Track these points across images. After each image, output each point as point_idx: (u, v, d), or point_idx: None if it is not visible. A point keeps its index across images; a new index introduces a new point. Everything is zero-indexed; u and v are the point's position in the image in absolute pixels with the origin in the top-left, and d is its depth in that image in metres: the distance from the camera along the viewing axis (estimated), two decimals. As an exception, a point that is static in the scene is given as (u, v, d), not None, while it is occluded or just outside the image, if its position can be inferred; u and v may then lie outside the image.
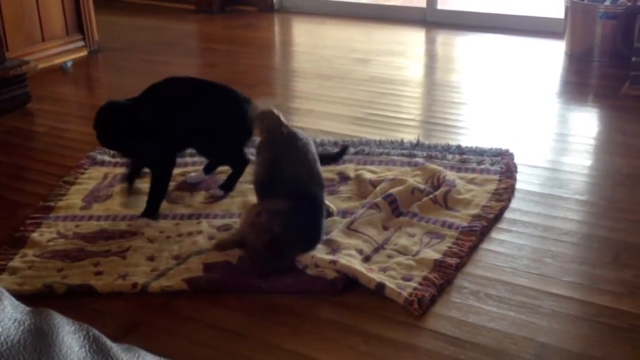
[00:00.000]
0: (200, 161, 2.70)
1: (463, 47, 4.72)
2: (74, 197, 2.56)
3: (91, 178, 2.72)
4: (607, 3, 4.03)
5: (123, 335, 1.81)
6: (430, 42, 4.86)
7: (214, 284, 2.02)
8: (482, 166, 2.68)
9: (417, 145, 2.89)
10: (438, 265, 2.05)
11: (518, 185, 2.56)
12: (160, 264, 2.12)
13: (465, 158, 2.75)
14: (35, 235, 2.29)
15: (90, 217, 2.42)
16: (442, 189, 2.44)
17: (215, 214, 2.42)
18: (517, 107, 3.41)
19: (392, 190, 2.40)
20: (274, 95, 3.77)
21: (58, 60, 4.21)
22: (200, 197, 2.54)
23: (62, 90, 3.93)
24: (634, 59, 3.56)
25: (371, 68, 4.07)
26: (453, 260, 2.08)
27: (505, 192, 2.49)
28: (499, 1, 5.53)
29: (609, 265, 2.09)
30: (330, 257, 2.05)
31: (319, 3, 5.45)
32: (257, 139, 2.47)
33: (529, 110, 3.37)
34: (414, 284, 1.97)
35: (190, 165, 2.77)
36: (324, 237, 2.18)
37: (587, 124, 3.33)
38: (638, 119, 3.23)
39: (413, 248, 2.15)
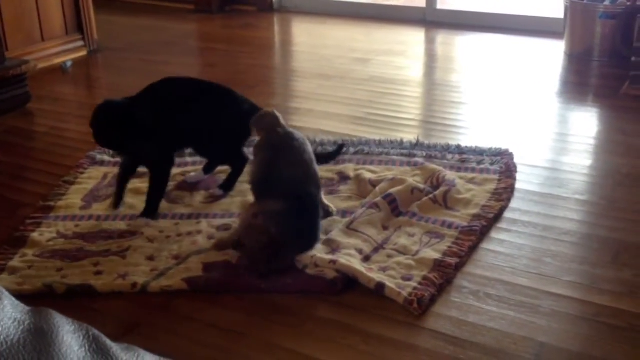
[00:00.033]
0: (200, 161, 2.70)
1: (463, 47, 4.72)
2: (74, 197, 2.57)
3: (91, 178, 2.72)
4: (606, 3, 4.03)
5: (123, 335, 1.81)
6: (430, 42, 4.86)
7: (214, 283, 2.02)
8: (482, 166, 2.68)
9: (417, 145, 2.89)
10: (438, 265, 2.05)
11: (518, 185, 2.56)
12: (160, 264, 2.12)
13: (465, 158, 2.75)
14: (35, 235, 2.29)
15: (90, 217, 2.42)
16: (442, 189, 2.44)
17: (215, 214, 2.42)
18: (517, 107, 3.41)
19: (392, 190, 2.40)
20: (274, 95, 3.77)
21: (58, 60, 4.21)
22: (200, 196, 2.54)
23: (62, 90, 3.93)
24: (633, 58, 3.56)
25: (371, 68, 4.07)
26: (453, 260, 2.08)
27: (505, 191, 2.49)
28: (498, 1, 5.52)
29: (609, 265, 2.09)
30: (329, 256, 2.05)
31: (318, 3, 5.45)
32: (255, 138, 2.48)
33: (529, 110, 3.37)
34: (413, 284, 1.97)
35: (190, 165, 2.77)
36: (324, 237, 2.18)
37: (586, 123, 3.33)
38: (638, 119, 3.23)
39: (413, 248, 2.15)
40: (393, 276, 2.00)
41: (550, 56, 4.26)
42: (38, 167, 2.88)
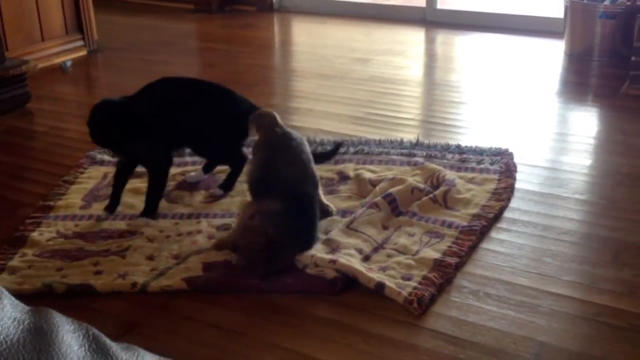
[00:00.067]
0: (200, 161, 2.70)
1: (462, 46, 4.72)
2: (74, 197, 2.56)
3: (91, 177, 2.72)
4: (606, 2, 4.03)
5: (122, 335, 1.81)
6: (429, 42, 4.86)
7: (214, 283, 2.02)
8: (482, 165, 2.68)
9: (417, 144, 2.89)
10: (438, 264, 2.05)
11: (518, 185, 2.56)
12: (160, 264, 2.12)
13: (464, 157, 2.75)
14: (34, 235, 2.29)
15: (90, 217, 2.42)
16: (442, 189, 2.44)
17: (214, 214, 2.42)
18: (517, 107, 3.41)
19: (392, 190, 2.40)
20: (274, 95, 3.77)
21: (57, 60, 4.21)
22: (199, 196, 2.54)
23: (62, 89, 3.93)
24: (633, 58, 3.56)
25: (371, 67, 4.07)
26: (453, 260, 2.08)
27: (504, 191, 2.49)
28: (498, 1, 5.52)
29: (609, 264, 2.09)
30: (329, 256, 2.05)
31: (318, 2, 5.45)
32: (254, 138, 2.48)
33: (529, 110, 3.37)
34: (413, 284, 1.97)
35: (190, 164, 2.77)
36: (324, 237, 2.18)
37: (586, 123, 3.33)
38: (637, 119, 3.23)
39: (413, 247, 2.15)
40: (393, 276, 2.00)
41: (550, 56, 4.26)
42: (38, 167, 2.88)
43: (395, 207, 2.34)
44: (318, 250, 2.09)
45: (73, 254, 2.18)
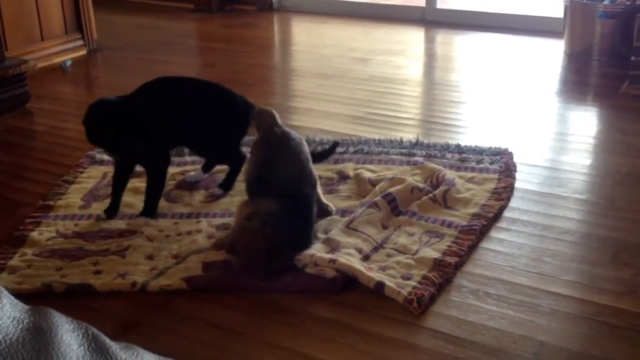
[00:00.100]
0: (200, 160, 2.70)
1: (462, 46, 4.72)
2: (74, 196, 2.56)
3: (90, 177, 2.72)
4: (606, 2, 4.03)
5: (122, 334, 1.81)
6: (429, 41, 4.86)
7: (213, 283, 2.02)
8: (482, 165, 2.68)
9: (417, 144, 2.89)
10: (437, 264, 2.05)
11: (517, 184, 2.56)
12: (160, 263, 2.12)
13: (464, 157, 2.75)
14: (34, 234, 2.29)
15: (90, 216, 2.42)
16: (442, 188, 2.44)
17: (214, 213, 2.42)
18: (517, 106, 3.41)
19: (392, 189, 2.40)
20: (273, 94, 3.77)
21: (57, 60, 4.21)
22: (199, 196, 2.54)
23: (62, 89, 3.93)
24: (633, 58, 3.56)
25: (370, 67, 4.07)
26: (452, 259, 2.08)
27: (504, 191, 2.49)
28: (498, 0, 5.52)
29: (609, 264, 2.09)
30: (329, 256, 2.05)
31: (318, 2, 5.45)
32: (252, 137, 2.48)
33: (528, 110, 3.37)
34: (413, 283, 1.97)
35: (189, 164, 2.77)
36: (323, 236, 2.18)
37: (586, 123, 3.33)
38: (637, 118, 3.23)
39: (412, 247, 2.15)
40: (393, 275, 2.00)
41: (550, 55, 4.26)
42: (37, 167, 2.88)
43: (395, 207, 2.34)
44: (318, 250, 2.09)
45: (73, 254, 2.18)
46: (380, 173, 2.62)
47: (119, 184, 2.43)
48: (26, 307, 0.53)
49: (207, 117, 2.44)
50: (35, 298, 1.94)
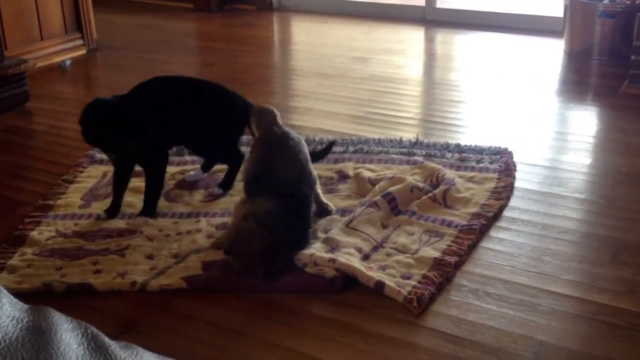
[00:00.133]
0: (199, 159, 2.70)
1: (462, 45, 4.72)
2: (73, 196, 2.56)
3: (90, 176, 2.71)
4: (606, 1, 4.03)
5: (122, 334, 1.81)
6: (429, 41, 4.86)
7: (213, 282, 2.02)
8: (481, 164, 2.68)
9: (416, 143, 2.89)
10: (437, 263, 2.05)
11: (517, 184, 2.56)
12: (159, 263, 2.11)
13: (464, 156, 2.75)
14: (34, 234, 2.29)
15: (90, 216, 2.42)
16: (441, 188, 2.44)
17: (214, 213, 2.41)
18: (516, 106, 3.41)
19: (391, 189, 2.40)
20: (273, 94, 3.77)
21: (57, 59, 4.21)
22: (199, 195, 2.54)
23: (61, 88, 3.93)
24: (633, 57, 3.56)
25: (370, 67, 4.07)
26: (452, 259, 2.07)
27: (504, 190, 2.49)
28: (498, 0, 5.52)
29: (608, 263, 2.09)
30: (329, 255, 2.05)
31: (318, 1, 5.44)
32: (249, 137, 2.49)
33: (528, 109, 3.37)
34: (413, 282, 1.96)
35: (189, 163, 2.77)
36: (323, 236, 2.18)
37: (586, 122, 3.33)
38: (637, 118, 3.23)
39: (412, 246, 2.15)
40: (392, 275, 2.00)
41: (550, 55, 4.26)
42: (37, 166, 2.88)
43: (395, 206, 2.34)
44: (317, 249, 2.09)
45: (72, 253, 2.18)
46: (380, 172, 2.62)
47: (119, 184, 2.42)
48: (25, 306, 0.53)
49: (204, 116, 2.43)
50: (35, 297, 1.94)
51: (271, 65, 4.41)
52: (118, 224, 2.35)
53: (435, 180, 2.52)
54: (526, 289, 1.97)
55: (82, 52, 4.41)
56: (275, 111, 2.34)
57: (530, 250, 2.16)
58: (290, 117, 3.23)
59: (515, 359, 1.71)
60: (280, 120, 2.32)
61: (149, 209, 2.39)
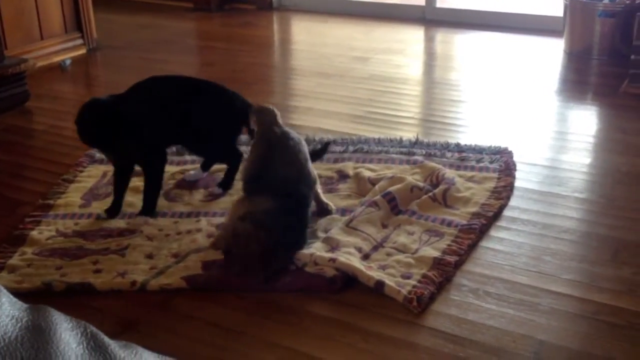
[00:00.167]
0: (199, 159, 2.70)
1: (462, 45, 4.72)
2: (73, 195, 2.56)
3: (90, 176, 2.71)
4: (605, 1, 4.03)
5: (122, 333, 1.81)
6: (429, 40, 4.86)
7: (213, 282, 2.02)
8: (481, 164, 2.68)
9: (416, 143, 2.89)
10: (437, 263, 2.05)
11: (517, 183, 2.56)
12: (159, 262, 2.11)
13: (464, 156, 2.75)
14: (34, 233, 2.29)
15: (90, 215, 2.42)
16: (441, 187, 2.44)
17: (214, 212, 2.41)
18: (516, 105, 3.41)
19: (391, 188, 2.40)
20: (273, 93, 3.77)
21: (57, 59, 4.21)
22: (199, 195, 2.54)
23: (61, 88, 3.93)
24: (632, 57, 3.56)
25: (370, 66, 4.07)
26: (452, 258, 2.07)
27: (504, 190, 2.49)
28: (498, -1, 5.52)
29: (608, 262, 2.09)
30: (329, 254, 2.05)
31: (318, 1, 5.44)
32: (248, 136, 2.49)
33: (528, 108, 3.37)
34: (413, 282, 1.96)
35: (189, 163, 2.77)
36: (323, 235, 2.18)
37: (586, 122, 3.33)
38: (637, 117, 3.23)
39: (412, 246, 2.15)
40: (392, 274, 2.00)
41: (550, 54, 4.26)
42: (37, 166, 2.88)
43: (395, 206, 2.34)
44: (317, 249, 2.09)
45: (72, 253, 2.18)
46: (380, 172, 2.62)
47: (120, 184, 2.42)
48: (25, 305, 0.53)
49: (201, 116, 2.43)
50: (35, 297, 1.95)
51: (271, 65, 4.41)
52: (118, 223, 2.35)
53: (435, 179, 2.52)
54: (526, 288, 1.97)
55: (82, 51, 4.41)
56: (276, 111, 2.34)
57: (530, 249, 2.16)
58: (290, 116, 3.23)
59: (515, 359, 1.71)
60: (280, 120, 2.32)
61: (149, 209, 2.39)
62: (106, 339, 0.54)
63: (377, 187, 2.47)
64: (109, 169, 2.73)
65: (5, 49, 3.59)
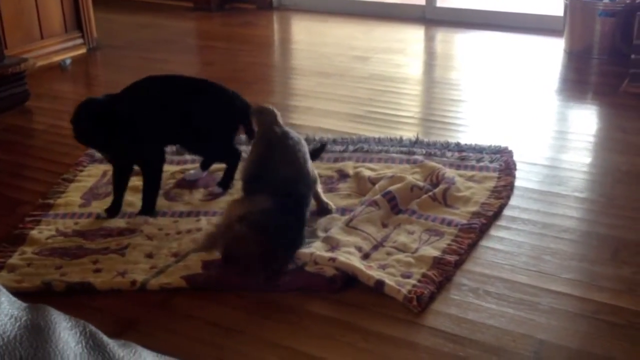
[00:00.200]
0: (199, 158, 2.70)
1: (462, 44, 4.72)
2: (73, 195, 2.56)
3: (90, 175, 2.71)
4: (606, 0, 4.03)
5: (121, 333, 1.81)
6: (429, 40, 4.86)
7: (213, 281, 2.02)
8: (481, 163, 2.68)
9: (416, 142, 2.89)
10: (437, 262, 2.05)
11: (517, 183, 2.56)
12: (159, 262, 2.11)
13: (464, 155, 2.75)
14: (34, 233, 2.29)
15: (89, 215, 2.42)
16: (441, 187, 2.44)
17: (214, 211, 2.41)
18: (517, 105, 3.41)
19: (391, 188, 2.40)
20: (273, 93, 3.77)
21: (57, 58, 4.21)
22: (199, 194, 2.54)
23: (61, 87, 3.93)
24: (633, 56, 3.56)
25: (370, 65, 4.07)
26: (452, 258, 2.07)
27: (504, 189, 2.49)
28: (498, -2, 5.52)
29: (608, 262, 2.09)
30: (329, 254, 2.05)
31: (318, 0, 5.44)
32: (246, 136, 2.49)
33: (528, 108, 3.37)
34: (413, 281, 1.96)
35: (189, 162, 2.77)
36: (323, 235, 2.18)
37: (586, 121, 3.33)
38: (637, 117, 3.23)
39: (412, 245, 2.15)
40: (392, 274, 2.00)
41: (550, 54, 4.26)
42: (37, 165, 2.88)
43: (395, 205, 2.34)
44: (317, 248, 2.09)
45: (72, 252, 2.18)
46: (380, 171, 2.62)
47: (119, 183, 2.42)
48: (24, 304, 0.53)
49: (198, 115, 2.43)
50: (35, 296, 1.94)
51: (271, 64, 4.41)
52: (118, 223, 2.35)
53: (435, 179, 2.52)
54: (526, 287, 1.97)
55: (82, 51, 4.41)
56: (276, 111, 2.34)
57: (530, 249, 2.16)
58: (290, 116, 3.23)
59: (515, 358, 1.71)
60: (281, 120, 2.32)
61: (148, 208, 2.39)
62: (105, 337, 0.54)
63: (377, 186, 2.47)
64: (109, 168, 2.73)
65: (5, 49, 3.59)
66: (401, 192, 2.39)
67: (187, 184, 2.61)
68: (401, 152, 2.79)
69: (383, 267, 2.04)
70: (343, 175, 2.62)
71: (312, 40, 4.82)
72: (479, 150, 2.80)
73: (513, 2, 5.26)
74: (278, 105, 2.47)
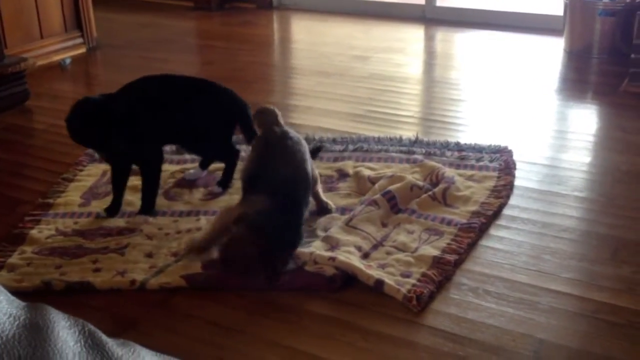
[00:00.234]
0: (199, 158, 2.70)
1: (462, 44, 4.72)
2: (73, 194, 2.56)
3: (90, 175, 2.71)
4: (606, 0, 4.03)
5: (121, 332, 1.81)
6: (429, 39, 4.86)
7: (213, 280, 2.01)
8: (481, 163, 2.68)
9: (416, 142, 2.89)
10: (437, 261, 2.05)
11: (517, 182, 2.56)
12: (159, 261, 2.11)
13: (464, 155, 2.75)
14: (34, 232, 2.29)
15: (89, 214, 2.42)
16: (441, 186, 2.44)
17: (213, 211, 2.41)
18: (516, 104, 3.41)
19: (391, 187, 2.40)
20: (273, 92, 3.77)
21: (57, 57, 4.21)
22: (198, 194, 2.54)
23: (61, 87, 3.93)
24: (633, 55, 3.56)
25: (370, 65, 4.07)
26: (452, 257, 2.07)
27: (504, 188, 2.49)
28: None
29: (608, 261, 2.09)
30: (329, 253, 2.05)
31: (317, 0, 5.44)
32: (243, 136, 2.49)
33: (528, 107, 3.37)
34: (412, 281, 1.96)
35: (189, 162, 2.77)
36: (323, 234, 2.18)
37: (586, 120, 3.33)
38: (637, 116, 3.23)
39: (412, 245, 2.15)
40: (392, 273, 2.00)
41: (550, 53, 4.26)
42: (37, 165, 2.88)
43: (395, 205, 2.34)
44: (317, 248, 2.09)
45: (72, 252, 2.18)
46: (379, 171, 2.62)
47: (118, 183, 2.42)
48: (23, 303, 0.53)
49: (195, 114, 2.42)
50: (35, 296, 1.95)
51: (271, 64, 4.41)
52: (117, 222, 2.35)
53: (435, 178, 2.52)
54: (526, 287, 1.97)
55: (82, 50, 4.41)
56: (277, 111, 2.34)
57: (530, 248, 2.16)
58: (290, 115, 3.23)
59: (515, 357, 1.71)
60: (281, 120, 2.31)
61: (148, 207, 2.39)
62: (104, 337, 0.54)
63: (376, 185, 2.47)
64: (109, 168, 2.73)
65: (5, 48, 3.59)
66: (401, 191, 2.39)
67: (187, 184, 2.61)
68: (401, 152, 2.79)
69: (383, 267, 2.04)
70: (343, 175, 2.62)
71: (312, 40, 4.82)
72: (478, 149, 2.80)
73: (513, 2, 5.25)
74: (278, 105, 2.47)
